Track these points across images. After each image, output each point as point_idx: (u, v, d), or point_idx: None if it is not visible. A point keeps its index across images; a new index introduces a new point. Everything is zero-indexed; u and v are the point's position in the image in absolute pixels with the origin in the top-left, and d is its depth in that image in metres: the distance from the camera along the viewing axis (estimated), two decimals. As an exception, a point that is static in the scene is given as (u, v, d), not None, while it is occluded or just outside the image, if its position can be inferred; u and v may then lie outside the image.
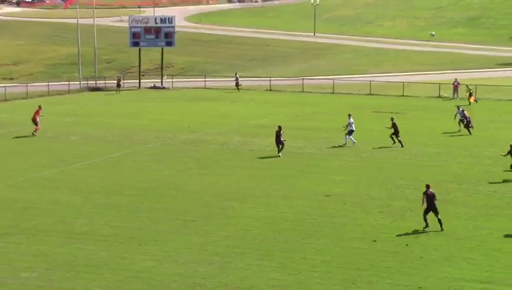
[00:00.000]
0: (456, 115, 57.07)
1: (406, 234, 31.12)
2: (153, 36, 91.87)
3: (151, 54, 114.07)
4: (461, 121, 56.58)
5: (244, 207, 35.39)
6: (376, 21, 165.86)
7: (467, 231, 31.59)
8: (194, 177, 41.65)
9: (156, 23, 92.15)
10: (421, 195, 33.67)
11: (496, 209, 35.08)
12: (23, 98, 78.83)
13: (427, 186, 31.84)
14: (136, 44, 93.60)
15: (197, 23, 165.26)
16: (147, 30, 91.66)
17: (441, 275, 26.45)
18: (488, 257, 28.31)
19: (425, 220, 31.77)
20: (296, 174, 42.38)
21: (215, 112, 68.55)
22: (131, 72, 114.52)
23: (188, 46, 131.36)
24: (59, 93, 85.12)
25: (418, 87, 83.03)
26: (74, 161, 46.14)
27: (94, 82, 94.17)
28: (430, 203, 31.54)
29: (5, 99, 78.63)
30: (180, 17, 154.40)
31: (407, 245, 29.59)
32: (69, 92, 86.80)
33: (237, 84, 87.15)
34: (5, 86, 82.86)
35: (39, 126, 56.03)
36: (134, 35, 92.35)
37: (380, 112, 66.46)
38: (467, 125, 55.90)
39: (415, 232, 31.34)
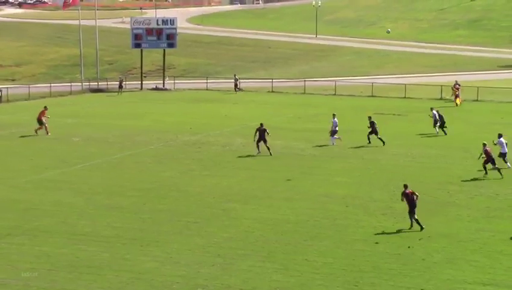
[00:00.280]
0: (437, 117, 57.04)
1: (408, 236, 31.11)
2: (154, 38, 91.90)
3: (152, 56, 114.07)
4: (436, 122, 56.88)
5: (246, 209, 35.39)
6: (378, 23, 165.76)
7: (469, 233, 31.58)
8: (196, 179, 41.65)
9: (157, 24, 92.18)
10: (422, 197, 33.80)
11: (498, 212, 35.07)
12: (25, 100, 78.84)
13: (405, 186, 32.41)
14: (137, 45, 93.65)
15: (198, 25, 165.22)
16: (149, 31, 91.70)
17: (443, 277, 26.44)
18: (491, 259, 28.30)
19: (414, 221, 32.03)
20: (298, 176, 42.36)
21: (217, 113, 68.56)
22: (133, 74, 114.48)
23: (190, 47, 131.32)
24: (61, 94, 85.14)
25: (420, 89, 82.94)
26: (76, 162, 46.15)
27: (96, 83, 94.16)
28: (411, 202, 31.95)
29: (7, 101, 78.68)
30: (182, 18, 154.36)
31: (409, 247, 29.59)
32: (71, 93, 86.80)
33: (236, 86, 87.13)
34: (7, 87, 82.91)
35: (47, 125, 56.17)
36: (136, 36, 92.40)
37: (382, 113, 66.42)
38: (442, 126, 56.24)
39: (418, 234, 31.31)
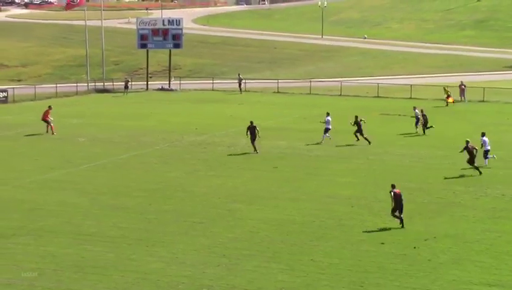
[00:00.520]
0: (418, 116, 57.38)
1: (414, 236, 31.06)
2: (160, 38, 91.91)
3: (158, 56, 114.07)
4: (418, 121, 57.23)
5: (252, 209, 35.38)
6: (384, 23, 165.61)
7: (475, 234, 31.52)
8: (201, 179, 41.65)
9: (163, 25, 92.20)
10: (428, 198, 33.84)
11: (504, 212, 35.00)
12: (31, 100, 78.89)
13: (393, 186, 32.69)
14: (143, 46, 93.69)
15: (204, 25, 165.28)
16: (155, 32, 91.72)
17: (449, 278, 26.40)
18: (497, 260, 28.24)
19: (397, 217, 32.44)
20: (304, 177, 42.34)
21: (222, 113, 68.56)
22: (138, 74, 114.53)
23: (196, 48, 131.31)
24: (67, 94, 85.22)
25: (426, 89, 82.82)
26: (81, 162, 46.19)
27: (102, 84, 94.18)
28: (398, 201, 32.24)
29: (13, 101, 78.78)
30: (188, 19, 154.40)
31: (415, 248, 29.54)
32: (76, 93, 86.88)
33: (240, 86, 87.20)
34: (13, 88, 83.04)
35: (53, 125, 56.38)
36: (142, 37, 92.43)
37: (388, 114, 66.37)
38: (424, 125, 56.58)
39: (423, 235, 31.27)
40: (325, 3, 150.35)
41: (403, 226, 32.23)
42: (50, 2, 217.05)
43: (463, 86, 78.27)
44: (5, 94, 79.44)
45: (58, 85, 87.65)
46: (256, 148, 49.21)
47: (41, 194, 38.05)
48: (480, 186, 39.96)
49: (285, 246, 29.84)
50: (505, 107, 73.90)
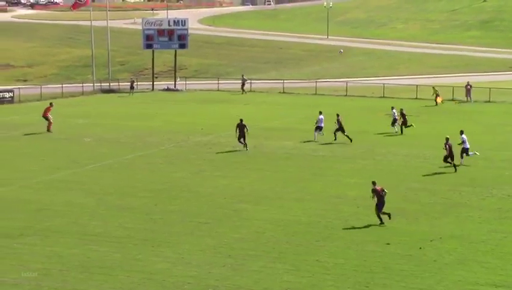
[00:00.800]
0: (396, 116, 57.90)
1: (420, 237, 31.06)
2: (166, 38, 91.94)
3: (164, 56, 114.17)
4: (394, 121, 57.70)
5: (258, 209, 35.41)
6: (389, 24, 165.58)
7: (481, 235, 31.51)
8: (207, 180, 41.69)
9: (169, 25, 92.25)
10: (434, 198, 33.87)
11: (510, 213, 34.97)
12: (37, 100, 78.89)
13: (373, 183, 33.18)
14: (149, 46, 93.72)
15: (210, 26, 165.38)
16: (160, 32, 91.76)
17: (454, 278, 26.39)
18: (503, 261, 28.23)
19: (379, 217, 32.83)
20: (309, 177, 42.37)
21: (228, 114, 68.53)
22: (144, 74, 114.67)
23: (201, 48, 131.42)
24: (73, 95, 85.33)
25: (431, 90, 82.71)
26: (87, 162, 46.26)
27: (107, 84, 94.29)
28: (380, 198, 32.68)
29: (19, 101, 78.91)
30: (193, 19, 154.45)
31: (420, 248, 29.54)
32: (82, 93, 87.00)
33: (243, 86, 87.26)
34: (19, 88, 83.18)
35: (52, 122, 56.73)
36: (148, 37, 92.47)
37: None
38: (404, 124, 57.14)
39: (429, 235, 31.26)
40: (331, 3, 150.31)
41: (381, 223, 32.66)
42: (56, 2, 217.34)
43: (469, 86, 78.24)
44: (11, 94, 79.61)
45: (64, 85, 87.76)
46: (244, 145, 50.11)
47: (47, 195, 38.13)
48: (486, 186, 39.94)
49: (290, 247, 29.86)
50: (511, 108, 73.83)
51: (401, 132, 57.11)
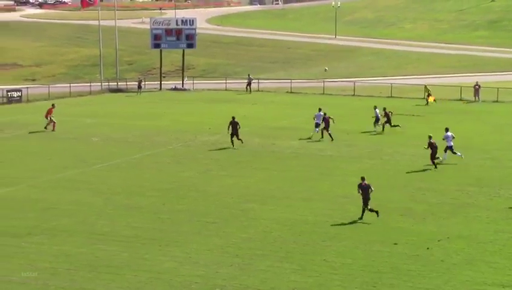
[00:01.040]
0: (378, 116, 58.36)
1: (427, 237, 31.03)
2: (174, 38, 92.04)
3: (172, 56, 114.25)
4: (377, 120, 58.10)
5: (265, 209, 35.42)
6: (397, 24, 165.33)
7: (488, 235, 31.47)
8: (214, 179, 41.72)
9: (177, 25, 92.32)
10: (441, 198, 33.81)
11: (518, 213, 34.92)
12: (45, 99, 79.01)
13: (362, 179, 33.70)
14: (157, 46, 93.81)
15: (218, 25, 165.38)
16: (168, 32, 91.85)
17: (462, 278, 26.36)
18: (510, 261, 28.18)
19: (362, 211, 33.49)
20: (317, 177, 42.36)
21: (235, 113, 68.36)
22: (152, 74, 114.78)
23: (209, 48, 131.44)
24: (80, 94, 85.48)
25: (440, 90, 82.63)
26: (95, 162, 46.33)
27: (115, 83, 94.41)
28: (365, 194, 33.31)
29: (28, 101, 79.07)
30: (201, 19, 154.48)
31: (428, 248, 29.51)
32: (90, 93, 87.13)
33: (248, 85, 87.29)
34: (27, 87, 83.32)
35: (55, 121, 57.02)
36: (156, 36, 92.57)
37: (401, 114, 66.24)
38: (388, 123, 57.54)
39: (436, 235, 31.23)
40: (339, 3, 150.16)
41: (361, 218, 33.25)
42: (64, 1, 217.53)
43: (477, 86, 78.14)
44: (19, 94, 79.81)
45: (72, 85, 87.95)
46: (234, 144, 50.82)
47: (55, 194, 38.21)
48: (493, 187, 39.87)
49: (297, 246, 29.87)
50: (519, 108, 73.69)
51: (383, 129, 57.49)
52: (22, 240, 30.50)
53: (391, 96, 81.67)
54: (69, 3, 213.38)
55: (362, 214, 33.46)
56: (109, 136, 55.61)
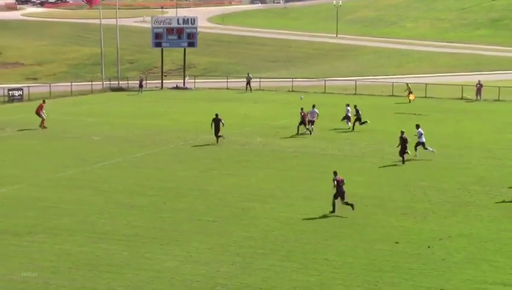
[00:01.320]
0: (348, 112, 59.36)
1: (428, 235, 31.00)
2: (175, 37, 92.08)
3: (173, 55, 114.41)
4: (347, 117, 59.11)
5: (266, 208, 35.39)
6: (399, 22, 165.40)
7: (490, 234, 31.43)
8: (215, 178, 41.70)
9: (178, 23, 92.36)
10: (443, 197, 33.77)
11: (519, 212, 34.89)
12: (46, 98, 79.07)
13: (335, 173, 34.28)
14: (158, 44, 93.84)
15: (219, 24, 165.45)
16: (170, 31, 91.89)
17: (463, 277, 26.33)
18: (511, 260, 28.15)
19: (333, 204, 34.06)
20: (318, 176, 42.30)
21: (236, 112, 68.60)
22: (153, 73, 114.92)
23: (211, 46, 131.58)
24: (82, 93, 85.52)
25: (441, 88, 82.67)
26: (96, 160, 46.33)
27: (117, 82, 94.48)
28: (339, 188, 33.86)
29: (29, 99, 79.07)
30: (203, 18, 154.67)
31: (429, 247, 29.47)
32: (91, 92, 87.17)
33: (248, 84, 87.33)
34: (28, 86, 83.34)
35: (45, 118, 57.75)
36: (157, 35, 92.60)
37: (403, 113, 66.24)
38: (358, 121, 58.28)
39: (438, 234, 31.20)
40: (340, 2, 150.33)
41: (333, 211, 33.97)
42: (66, 0, 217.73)
43: (479, 85, 78.12)
44: (20, 92, 79.83)
45: (73, 83, 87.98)
46: (217, 139, 51.84)
47: (56, 193, 38.19)
48: (495, 185, 39.85)
49: (299, 245, 29.84)
50: (520, 107, 73.68)
51: (353, 128, 58.05)
52: (23, 239, 30.48)
53: (392, 95, 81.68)
54: (71, 2, 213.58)
55: (333, 208, 34.16)
56: (110, 135, 55.61)
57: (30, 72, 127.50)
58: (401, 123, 58.40)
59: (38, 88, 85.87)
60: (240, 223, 32.84)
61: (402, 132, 45.67)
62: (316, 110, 57.06)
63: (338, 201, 34.14)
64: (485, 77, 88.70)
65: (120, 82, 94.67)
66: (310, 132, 55.81)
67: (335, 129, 58.34)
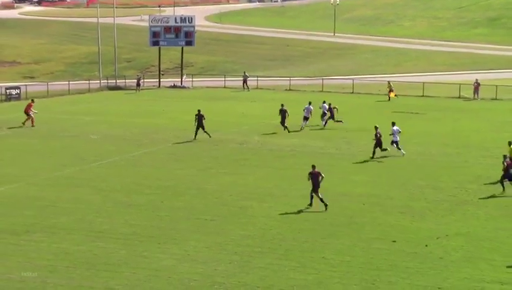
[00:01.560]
0: (325, 110, 59.64)
1: (426, 234, 31.04)
2: (173, 35, 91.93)
3: (170, 53, 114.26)
4: (324, 114, 59.37)
5: (263, 207, 35.41)
6: (396, 21, 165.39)
7: (487, 232, 31.47)
8: (213, 177, 41.71)
9: (176, 22, 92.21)
10: (440, 195, 33.81)
11: (517, 211, 34.92)
12: (44, 97, 78.96)
13: (313, 167, 34.94)
14: (156, 43, 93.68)
15: (217, 23, 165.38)
16: (167, 29, 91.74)
17: (460, 276, 26.37)
18: (509, 258, 28.18)
19: (311, 198, 34.76)
20: (316, 174, 42.28)
21: (234, 111, 68.60)
22: (150, 71, 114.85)
23: (208, 45, 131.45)
24: (79, 92, 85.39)
25: (438, 87, 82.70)
26: (94, 159, 46.32)
27: (114, 81, 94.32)
28: (315, 182, 34.50)
29: (26, 98, 78.88)
30: (200, 16, 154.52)
31: (426, 246, 29.51)
32: (89, 90, 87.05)
33: (245, 83, 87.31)
34: (25, 85, 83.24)
35: (34, 118, 58.47)
36: (154, 34, 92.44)
37: (401, 112, 66.25)
38: (332, 118, 58.86)
39: (435, 233, 31.23)
40: (338, 0, 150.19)
41: (310, 205, 34.65)
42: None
43: (476, 84, 78.12)
44: (17, 91, 79.69)
45: (70, 82, 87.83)
46: (197, 135, 52.49)
47: (54, 192, 38.19)
48: (492, 184, 39.85)
49: (296, 244, 29.86)
50: (517, 105, 73.67)
51: (324, 125, 58.75)
52: (21, 238, 30.49)
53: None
54: (68, 1, 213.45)
55: (311, 201, 34.79)
56: (108, 134, 55.58)
57: (27, 70, 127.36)
58: (398, 122, 58.33)
59: (35, 87, 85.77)
60: (237, 222, 32.87)
61: (376, 127, 47.09)
62: (311, 107, 57.42)
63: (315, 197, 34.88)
64: (482, 76, 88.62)
65: (117, 81, 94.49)
66: (301, 128, 56.62)
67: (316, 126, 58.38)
